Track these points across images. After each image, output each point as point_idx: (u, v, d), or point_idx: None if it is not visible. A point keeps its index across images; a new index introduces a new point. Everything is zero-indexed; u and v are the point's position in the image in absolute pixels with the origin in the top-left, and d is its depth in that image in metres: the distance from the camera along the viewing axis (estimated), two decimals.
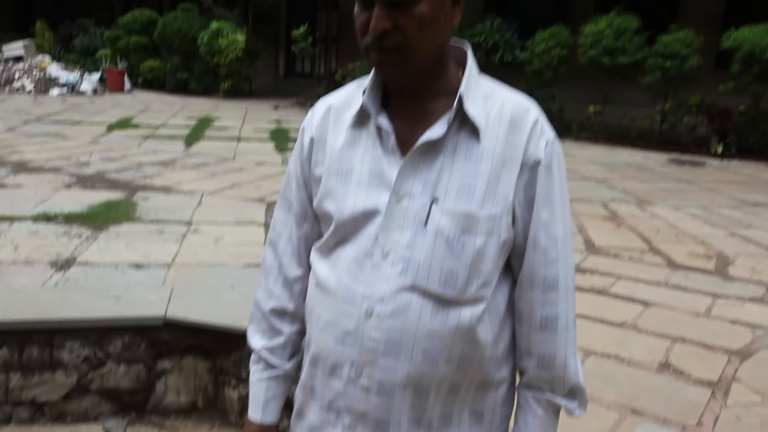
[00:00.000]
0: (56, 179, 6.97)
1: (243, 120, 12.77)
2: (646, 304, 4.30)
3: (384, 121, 1.13)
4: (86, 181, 6.97)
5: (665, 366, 3.46)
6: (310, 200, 1.25)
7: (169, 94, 16.98)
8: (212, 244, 5.09)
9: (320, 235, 1.24)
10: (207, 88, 16.93)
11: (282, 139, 10.67)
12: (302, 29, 15.31)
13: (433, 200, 1.09)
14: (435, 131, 1.10)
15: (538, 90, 12.42)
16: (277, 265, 1.31)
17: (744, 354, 3.64)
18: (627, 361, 3.49)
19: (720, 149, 10.45)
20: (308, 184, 1.24)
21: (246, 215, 5.98)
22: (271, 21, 18.58)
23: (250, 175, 7.74)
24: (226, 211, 6.10)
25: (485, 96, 1.13)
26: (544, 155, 1.11)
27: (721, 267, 5.14)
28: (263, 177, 7.69)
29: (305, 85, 16.79)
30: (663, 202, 7.34)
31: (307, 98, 15.86)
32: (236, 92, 16.72)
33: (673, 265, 5.13)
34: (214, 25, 16.12)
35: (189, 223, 5.60)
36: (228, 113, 13.64)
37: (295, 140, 10.40)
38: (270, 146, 10.01)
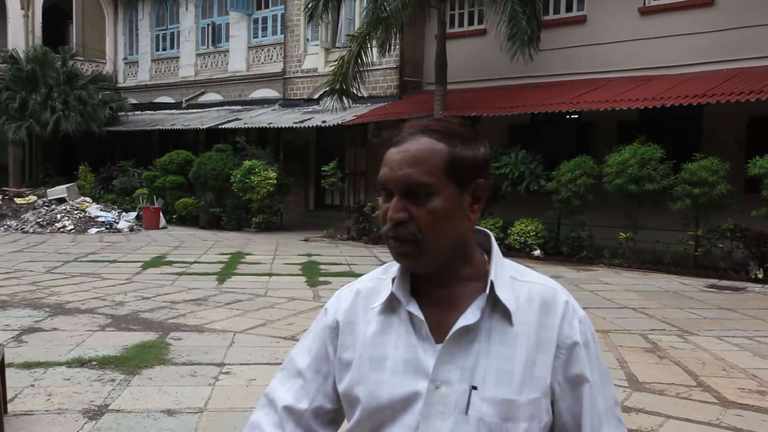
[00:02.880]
0: (92, 321, 7.02)
1: (274, 254, 12.95)
2: None
3: (415, 309, 1.15)
4: (120, 322, 7.01)
5: None
6: (324, 377, 1.23)
7: (203, 229, 17.43)
8: (244, 387, 4.99)
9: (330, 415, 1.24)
10: (239, 223, 17.37)
11: (313, 272, 10.74)
12: (332, 164, 15.86)
13: (473, 387, 1.10)
14: (469, 317, 1.12)
15: (567, 217, 12.51)
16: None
17: None
18: None
19: (760, 274, 10.23)
20: (325, 361, 1.23)
21: (278, 355, 5.90)
22: (301, 158, 19.33)
23: (282, 312, 7.72)
24: (258, 350, 6.04)
25: (511, 279, 1.17)
26: (579, 334, 1.15)
27: None
28: (295, 313, 7.67)
29: (335, 218, 17.14)
30: (706, 331, 7.09)
31: (336, 231, 16.13)
32: (267, 226, 17.10)
33: (724, 402, 4.86)
34: (247, 163, 16.79)
35: (221, 365, 5.54)
36: (259, 247, 13.87)
37: (325, 274, 10.51)
38: (301, 280, 10.06)
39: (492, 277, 1.13)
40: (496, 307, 1.12)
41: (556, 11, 14.93)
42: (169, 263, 11.47)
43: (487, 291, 1.12)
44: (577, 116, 14.18)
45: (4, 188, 19.48)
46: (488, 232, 1.22)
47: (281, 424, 1.22)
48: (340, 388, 1.20)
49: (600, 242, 12.13)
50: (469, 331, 1.11)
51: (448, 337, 1.11)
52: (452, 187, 1.10)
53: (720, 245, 10.93)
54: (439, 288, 1.16)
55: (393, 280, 1.17)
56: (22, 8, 23.19)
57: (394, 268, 1.20)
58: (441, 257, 1.12)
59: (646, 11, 13.57)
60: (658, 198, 11.26)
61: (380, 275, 1.24)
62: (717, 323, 7.55)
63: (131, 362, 5.48)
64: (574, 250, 12.25)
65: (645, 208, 11.54)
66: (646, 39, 13.42)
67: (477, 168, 1.12)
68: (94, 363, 5.44)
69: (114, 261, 11.64)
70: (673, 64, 13.04)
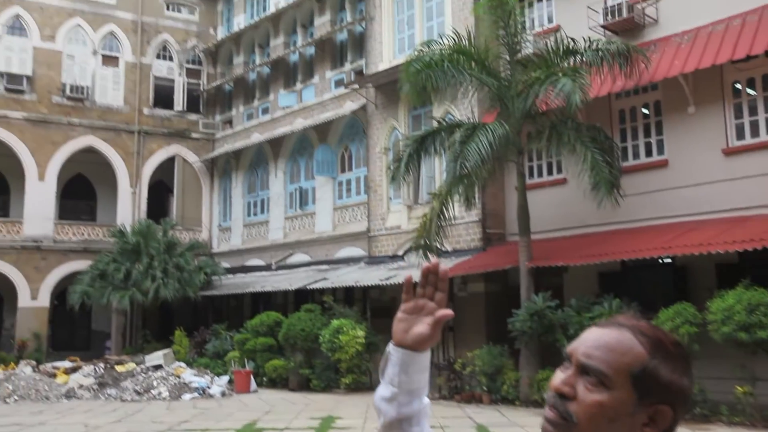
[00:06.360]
0: None
1: (365, 417, 12.59)
2: None
3: None
4: None
5: None
6: None
7: (292, 391, 17.34)
8: None
9: None
10: (328, 384, 17.20)
11: None
12: None
13: None
14: None
15: None
16: None
17: None
18: None
19: None
20: None
21: None
22: (388, 315, 19.29)
23: None
24: None
25: None
26: None
27: None
28: None
29: None
30: None
31: (429, 390, 15.64)
32: (357, 387, 16.82)
33: None
34: (335, 322, 16.92)
35: None
36: (350, 410, 13.56)
37: None
38: None
39: None
40: None
41: (636, 157, 14.94)
42: (260, 431, 11.33)
43: None
44: (670, 260, 13.69)
45: (106, 357, 20.29)
46: None
47: None
48: None
49: (714, 397, 11.18)
50: None
51: None
52: (632, 393, 1.04)
53: None
54: None
55: None
56: (131, 186, 25.40)
57: None
58: None
59: (730, 152, 13.37)
60: None
61: None
62: None
63: None
64: None
65: (761, 357, 10.67)
66: (734, 179, 13.10)
67: (668, 393, 1.05)
68: None
69: (206, 429, 11.61)
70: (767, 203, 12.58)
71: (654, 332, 1.08)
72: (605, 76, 13.76)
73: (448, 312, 1.24)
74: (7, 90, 24.00)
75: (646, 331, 1.07)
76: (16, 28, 24.60)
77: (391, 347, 1.27)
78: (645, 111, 14.94)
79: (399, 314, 1.27)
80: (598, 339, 1.07)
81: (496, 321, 15.30)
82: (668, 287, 13.53)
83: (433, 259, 1.30)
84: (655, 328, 1.09)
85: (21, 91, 24.16)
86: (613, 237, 14.04)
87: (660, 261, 13.59)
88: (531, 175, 16.53)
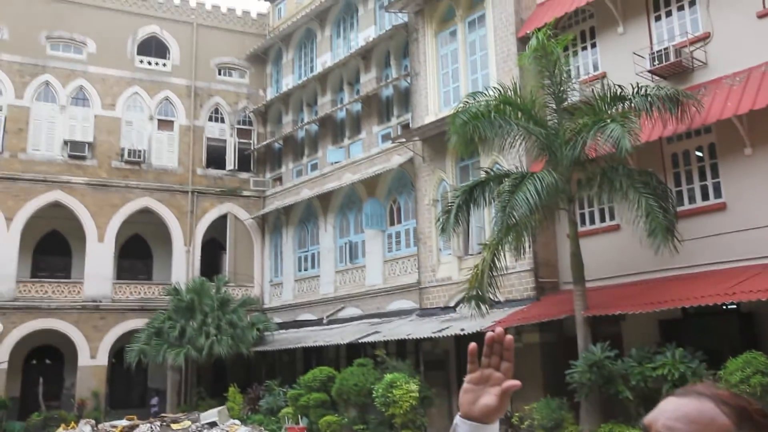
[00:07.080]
0: None
1: None
2: None
3: None
4: None
5: None
6: None
7: None
8: None
9: None
10: None
11: None
12: None
13: None
14: None
15: None
16: None
17: None
18: None
19: None
20: None
21: None
22: (442, 367, 19.02)
23: None
24: None
25: None
26: None
27: None
28: None
29: None
30: None
31: None
32: None
33: None
34: (388, 377, 16.71)
35: None
36: None
37: None
38: None
39: None
40: None
41: (691, 201, 14.60)
42: None
43: None
44: (735, 307, 13.17)
45: (162, 415, 20.45)
46: None
47: None
48: None
49: None
50: None
51: None
52: None
53: None
54: None
55: None
56: (185, 244, 26.02)
57: None
58: None
59: None
60: None
61: None
62: None
63: None
64: None
65: None
66: None
67: None
68: None
69: None
70: None
71: (737, 401, 1.04)
72: (655, 120, 13.61)
73: (515, 383, 1.21)
74: (71, 156, 25.15)
75: (729, 401, 1.03)
76: (80, 98, 25.93)
77: (458, 419, 1.23)
78: (699, 154, 14.66)
79: (465, 385, 1.24)
80: (678, 410, 1.04)
81: (553, 372, 14.88)
82: (734, 335, 13.01)
83: (498, 328, 1.26)
84: (737, 397, 1.05)
85: (83, 157, 25.28)
86: (671, 283, 13.63)
87: (724, 307, 13.10)
88: (583, 222, 16.28)
